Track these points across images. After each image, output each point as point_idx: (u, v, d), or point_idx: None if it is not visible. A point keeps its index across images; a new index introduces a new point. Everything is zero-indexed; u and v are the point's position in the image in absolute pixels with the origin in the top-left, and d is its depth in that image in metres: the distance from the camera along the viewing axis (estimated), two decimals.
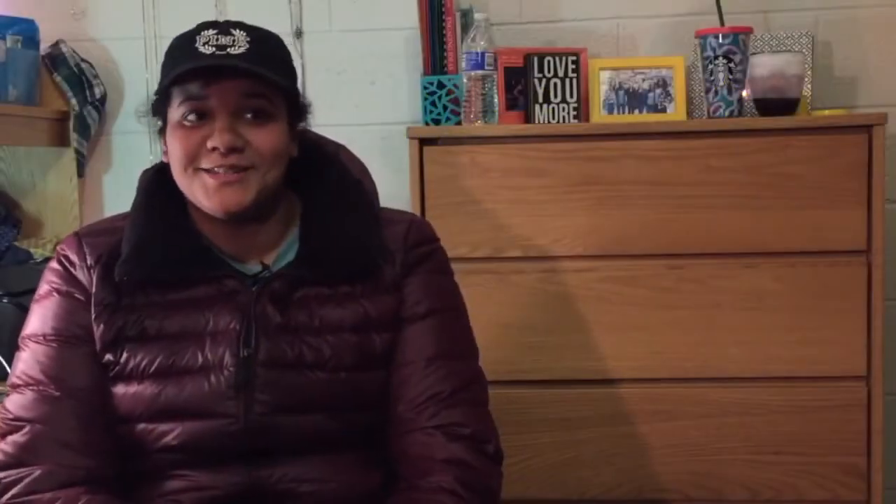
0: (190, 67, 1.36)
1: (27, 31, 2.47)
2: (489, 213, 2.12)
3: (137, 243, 1.42)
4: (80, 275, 1.44)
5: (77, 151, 2.54)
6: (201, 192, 1.39)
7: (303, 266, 1.44)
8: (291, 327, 1.41)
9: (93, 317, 1.42)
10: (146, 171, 1.52)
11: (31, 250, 2.45)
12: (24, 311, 2.17)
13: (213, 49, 1.37)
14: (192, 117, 1.38)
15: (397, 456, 1.44)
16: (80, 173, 2.56)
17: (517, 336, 2.13)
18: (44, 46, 2.54)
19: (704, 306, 2.09)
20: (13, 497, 1.35)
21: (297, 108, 1.47)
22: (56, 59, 2.53)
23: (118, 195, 2.61)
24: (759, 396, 2.10)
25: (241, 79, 1.37)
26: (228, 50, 1.37)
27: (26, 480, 1.36)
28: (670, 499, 2.13)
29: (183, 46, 1.39)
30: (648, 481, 2.13)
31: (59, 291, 1.44)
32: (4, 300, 2.26)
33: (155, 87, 1.43)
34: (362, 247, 1.45)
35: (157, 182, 1.48)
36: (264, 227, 1.45)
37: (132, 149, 2.59)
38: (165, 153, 1.43)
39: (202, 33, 1.39)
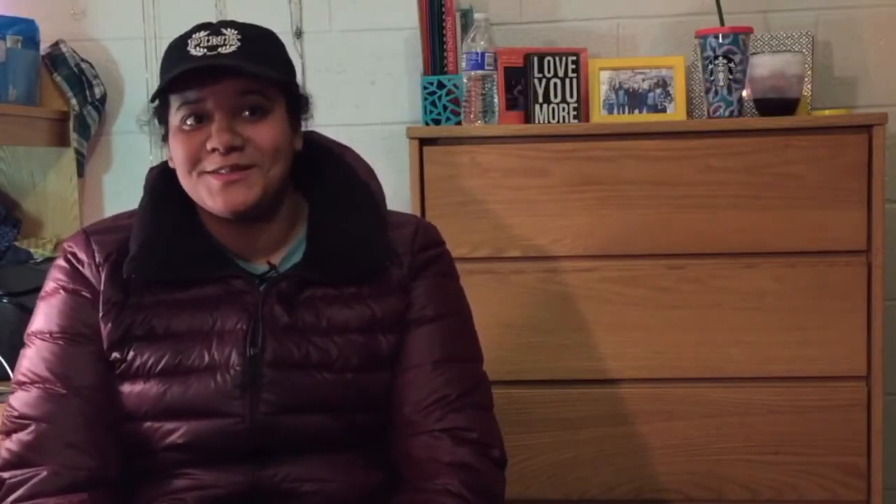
0: (180, 71, 1.36)
1: (27, 31, 2.47)
2: (489, 213, 2.12)
3: (145, 242, 1.42)
4: (88, 273, 1.44)
5: (77, 151, 2.54)
6: (206, 194, 1.39)
7: (310, 266, 1.44)
8: (298, 327, 1.41)
9: (100, 315, 1.42)
10: (153, 170, 1.53)
11: (31, 250, 2.45)
12: (24, 310, 2.19)
13: (205, 50, 1.37)
14: (190, 121, 1.39)
15: (401, 457, 1.44)
16: (80, 173, 2.56)
17: (517, 336, 2.13)
18: (44, 46, 2.54)
19: (704, 306, 2.09)
20: (17, 500, 1.35)
21: (296, 101, 1.47)
22: (56, 59, 2.52)
23: (118, 195, 2.61)
24: (759, 396, 2.10)
25: (234, 77, 1.37)
26: (219, 50, 1.37)
27: (31, 483, 1.36)
28: (670, 499, 2.13)
29: (176, 51, 1.40)
30: (648, 481, 2.13)
31: (65, 289, 1.44)
32: (4, 300, 2.27)
33: (155, 87, 1.43)
34: (369, 248, 1.46)
35: (164, 181, 1.48)
36: (271, 227, 1.45)
37: (132, 149, 2.59)
38: (171, 158, 1.44)
39: (193, 36, 1.39)
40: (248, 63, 1.36)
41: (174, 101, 1.40)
